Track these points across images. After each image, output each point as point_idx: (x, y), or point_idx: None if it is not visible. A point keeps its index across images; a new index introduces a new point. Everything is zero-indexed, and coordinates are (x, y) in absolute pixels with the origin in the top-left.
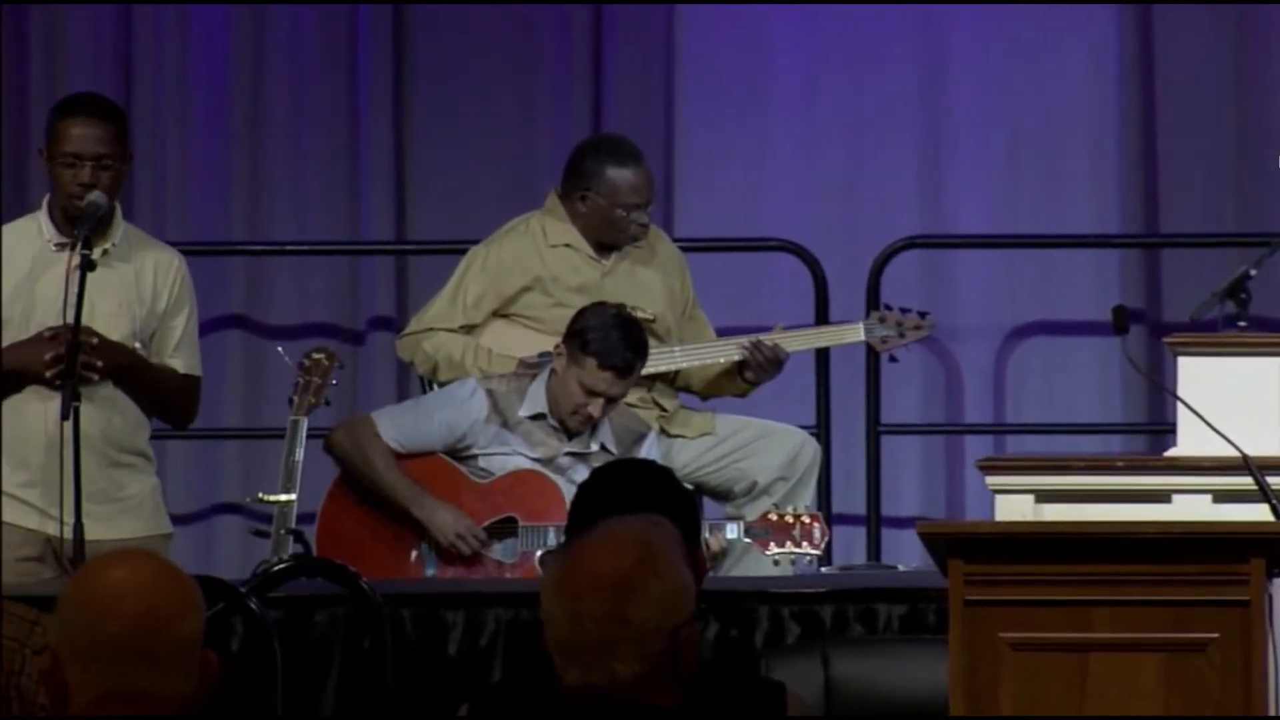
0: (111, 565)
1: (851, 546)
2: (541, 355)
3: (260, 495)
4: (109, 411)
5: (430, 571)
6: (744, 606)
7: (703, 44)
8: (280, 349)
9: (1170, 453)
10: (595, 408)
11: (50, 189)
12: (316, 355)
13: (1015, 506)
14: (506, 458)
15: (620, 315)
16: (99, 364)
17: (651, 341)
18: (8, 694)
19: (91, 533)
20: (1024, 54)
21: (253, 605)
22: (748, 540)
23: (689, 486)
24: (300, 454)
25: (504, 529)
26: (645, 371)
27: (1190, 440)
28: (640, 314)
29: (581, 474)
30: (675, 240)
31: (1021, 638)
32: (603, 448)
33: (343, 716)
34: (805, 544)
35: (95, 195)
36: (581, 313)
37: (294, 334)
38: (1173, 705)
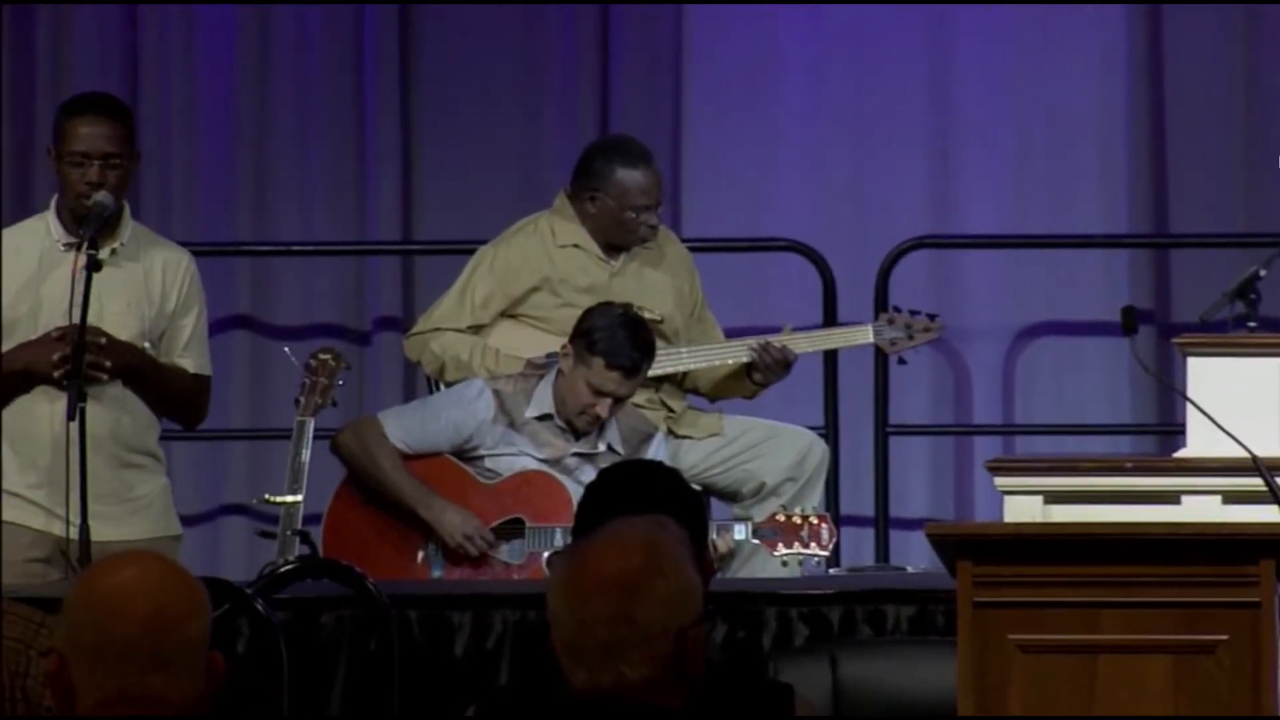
0: (118, 566)
1: (860, 548)
2: (549, 356)
3: (266, 496)
4: (118, 411)
5: (437, 573)
6: (752, 608)
7: (710, 44)
8: (286, 349)
9: (1179, 454)
10: (603, 408)
11: (58, 189)
12: (323, 356)
13: (1024, 508)
14: (513, 458)
15: (627, 315)
16: (107, 364)
17: (659, 343)
18: (13, 696)
19: (101, 533)
20: (1033, 54)
21: (259, 607)
22: (756, 541)
23: (697, 487)
24: (306, 455)
25: (511, 530)
26: (653, 373)
27: (1200, 441)
28: (648, 315)
29: (589, 474)
30: (683, 240)
31: (1030, 639)
32: (610, 448)
33: (349, 718)
34: (813, 545)
35: (101, 195)
36: (588, 313)
37: (300, 334)
38: (1182, 707)
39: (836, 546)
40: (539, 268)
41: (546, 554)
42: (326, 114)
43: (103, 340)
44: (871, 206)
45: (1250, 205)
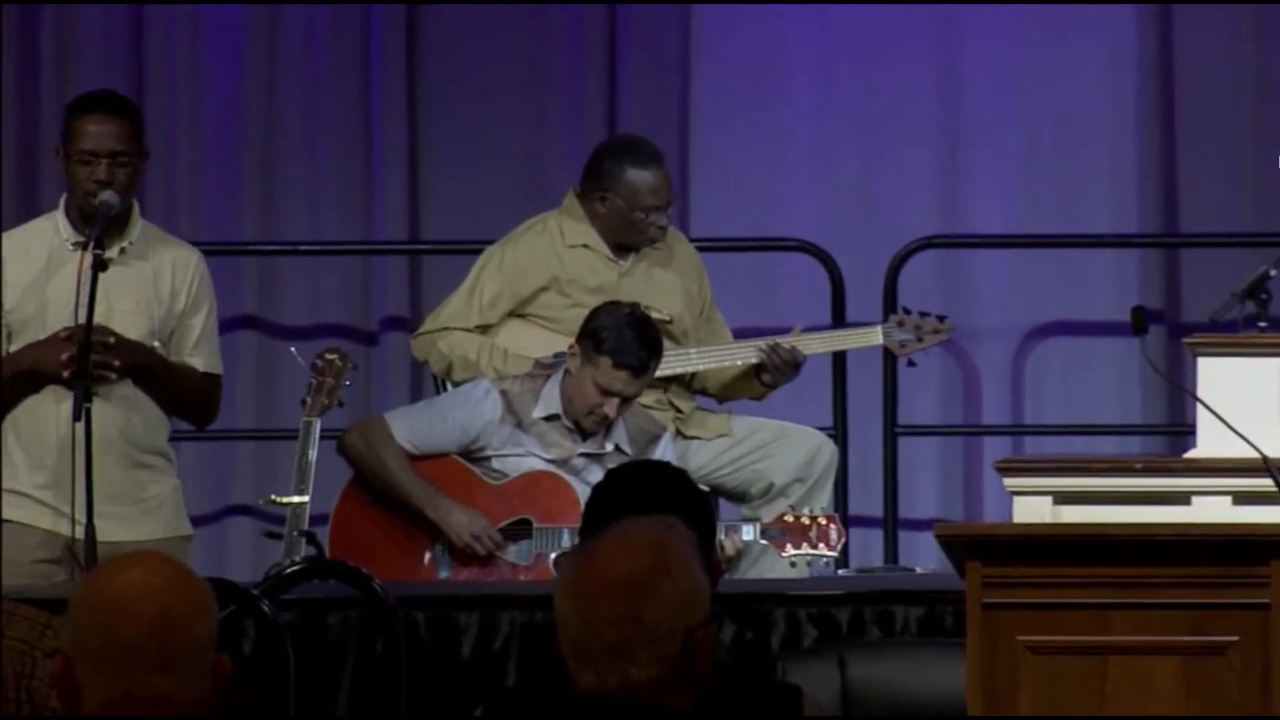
0: (124, 567)
1: (869, 548)
2: (557, 356)
3: (273, 497)
4: (128, 411)
5: (444, 574)
6: (760, 609)
7: (718, 44)
8: (293, 349)
9: (1190, 454)
10: (611, 408)
11: (67, 188)
12: (329, 356)
13: (1033, 508)
14: (520, 459)
15: (634, 314)
16: (115, 363)
17: (668, 343)
18: (19, 697)
19: (112, 534)
20: (1042, 53)
21: (265, 608)
22: (764, 542)
23: (705, 488)
24: (313, 455)
25: (518, 531)
26: (661, 373)
27: (1210, 442)
28: (656, 315)
29: (596, 475)
30: (691, 240)
31: (1040, 640)
32: (617, 448)
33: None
34: (822, 545)
35: (107, 195)
36: (595, 312)
37: (307, 334)
38: (1192, 709)
39: (845, 547)
40: (548, 267)
41: (554, 555)
42: (333, 114)
43: (111, 340)
44: (880, 206)
45: (1260, 205)
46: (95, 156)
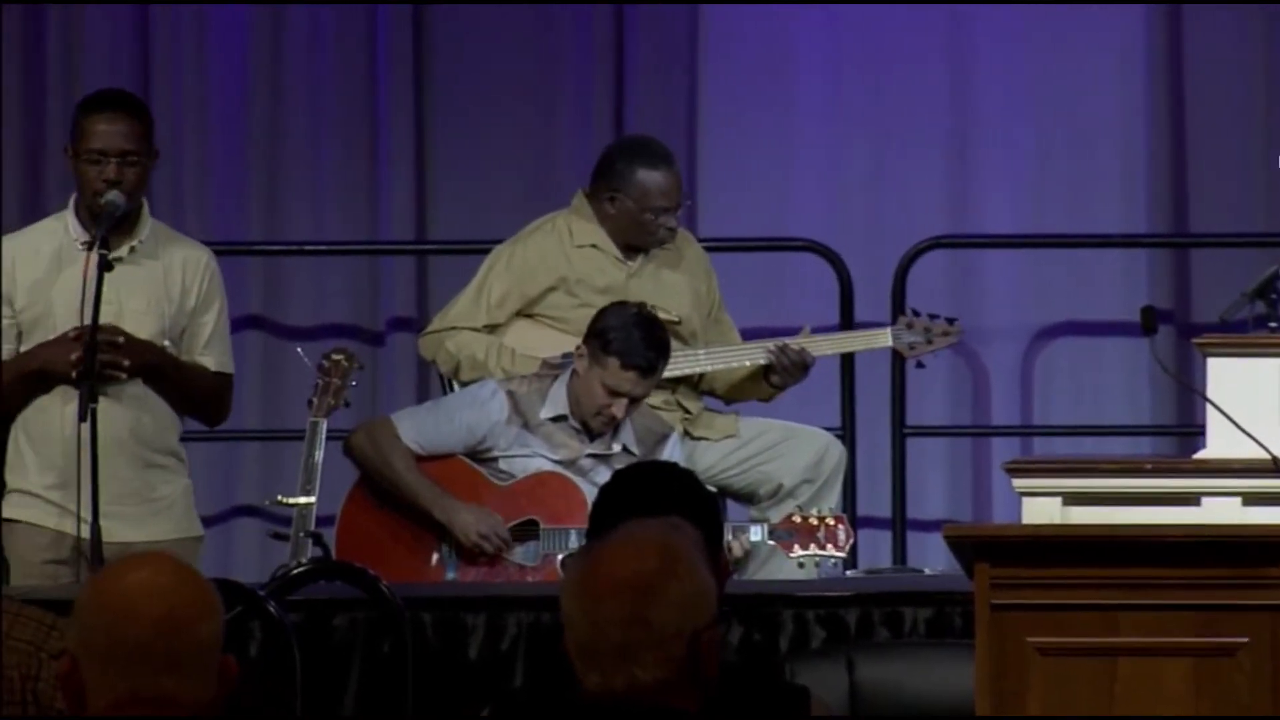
0: (130, 568)
1: (877, 549)
2: (565, 356)
3: (279, 498)
4: (139, 411)
5: (451, 575)
6: (768, 610)
7: (726, 43)
8: (299, 350)
9: (1199, 455)
10: (618, 408)
11: (77, 187)
12: (336, 356)
13: (1042, 509)
14: (527, 459)
15: (641, 314)
16: (125, 363)
17: (676, 344)
18: (24, 698)
19: (122, 534)
20: (1051, 52)
21: (271, 609)
22: (772, 543)
23: (713, 489)
24: (319, 456)
25: (525, 532)
26: (670, 374)
27: (1220, 442)
28: (665, 316)
29: (603, 476)
30: (699, 240)
31: (1049, 642)
32: (625, 449)
33: None
34: (830, 546)
35: (113, 195)
36: (602, 312)
37: (313, 335)
38: (1202, 710)
39: (854, 548)
40: (556, 267)
41: (561, 556)
42: (339, 113)
43: (120, 339)
44: (889, 206)
45: (1270, 205)
46: (104, 156)
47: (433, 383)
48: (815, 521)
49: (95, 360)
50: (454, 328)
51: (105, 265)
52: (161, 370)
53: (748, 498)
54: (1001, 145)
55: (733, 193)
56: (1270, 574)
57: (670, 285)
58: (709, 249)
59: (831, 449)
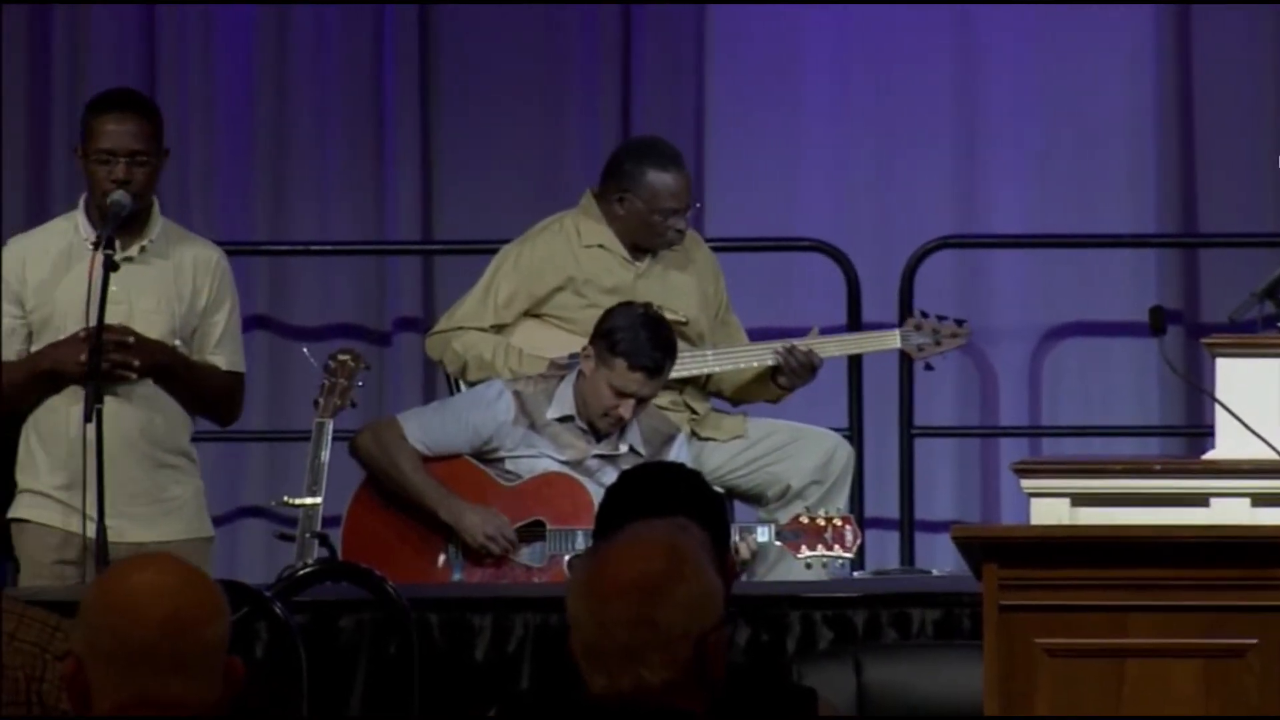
0: (136, 569)
1: (885, 550)
2: (572, 356)
3: (285, 498)
4: (149, 411)
5: (457, 575)
6: (775, 611)
7: (733, 43)
8: (305, 350)
9: (1208, 456)
10: (626, 409)
11: (87, 187)
12: (342, 356)
13: (1051, 510)
14: (534, 460)
15: (648, 314)
16: (135, 363)
17: (684, 345)
18: (29, 700)
19: (133, 534)
20: (1060, 52)
21: (278, 610)
22: (778, 543)
23: (720, 490)
24: (326, 456)
25: (532, 533)
26: (677, 375)
27: (1229, 443)
28: (672, 316)
29: (610, 476)
30: (706, 240)
31: (1057, 643)
32: (631, 449)
33: None
34: (837, 547)
35: (119, 195)
36: (609, 313)
37: (319, 335)
38: (1211, 712)
39: (861, 549)
40: (564, 267)
41: (568, 557)
42: (345, 113)
43: (130, 339)
44: (896, 206)
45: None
46: (113, 156)
47: (439, 383)
48: (822, 522)
49: (100, 361)
50: (461, 328)
51: (110, 265)
52: (172, 370)
53: (755, 499)
54: (1010, 145)
55: (740, 193)
56: (1279, 575)
57: (678, 286)
58: (716, 249)
59: (840, 450)
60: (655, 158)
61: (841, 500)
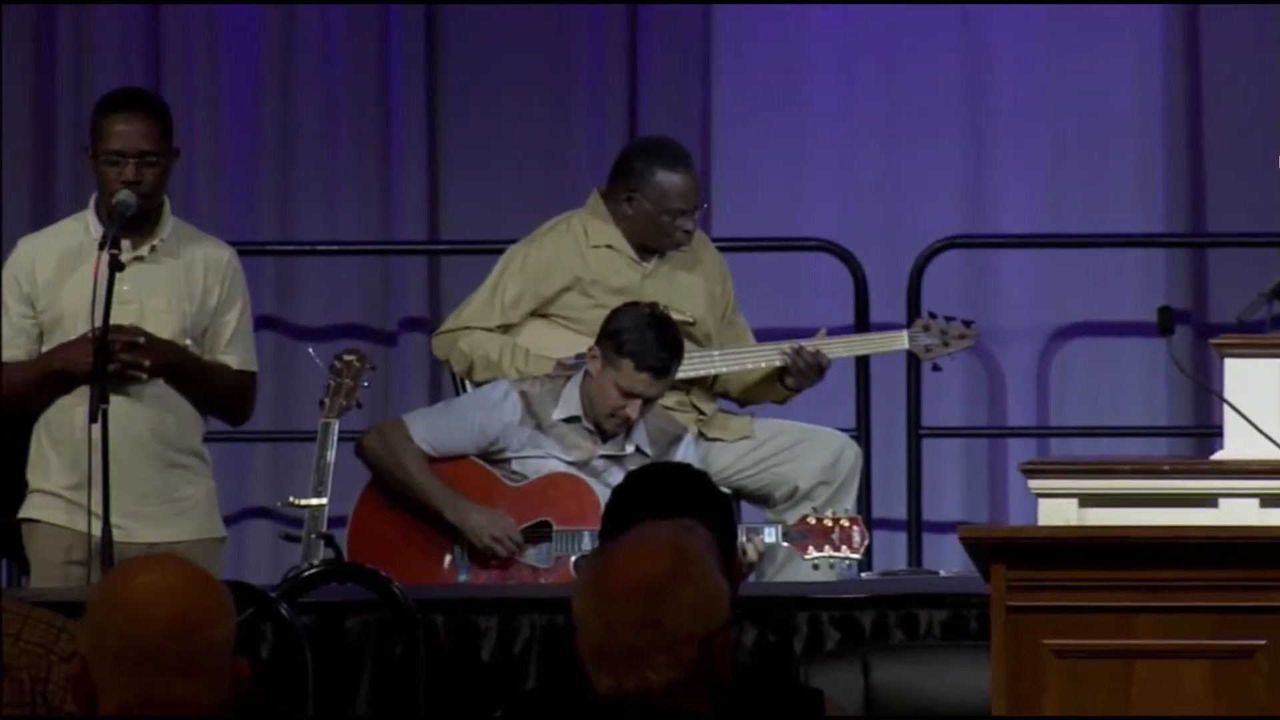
0: (141, 569)
1: (892, 551)
2: (579, 357)
3: (291, 499)
4: (161, 411)
5: (463, 576)
6: (782, 612)
7: (740, 43)
8: (311, 350)
9: (1217, 456)
10: (633, 409)
11: (98, 187)
12: (347, 357)
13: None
14: (540, 461)
15: (654, 315)
16: (146, 363)
17: (691, 345)
18: (34, 701)
19: (144, 534)
20: (1068, 51)
21: (283, 611)
22: (786, 544)
23: (727, 491)
24: (331, 457)
25: (538, 533)
26: (684, 375)
27: (1237, 443)
28: (679, 316)
29: (616, 476)
30: (713, 240)
31: (1065, 644)
32: (638, 450)
33: None
34: (844, 548)
35: (124, 194)
36: (615, 313)
37: (324, 335)
38: (1219, 713)
39: (869, 550)
40: (571, 267)
41: (574, 558)
42: (352, 113)
43: (141, 339)
44: (904, 205)
45: None
46: (123, 157)
47: (445, 383)
48: (830, 523)
49: (106, 361)
50: (468, 328)
51: (116, 265)
52: (183, 370)
53: (763, 499)
54: (1017, 145)
55: (747, 193)
56: None
57: (685, 286)
58: (723, 249)
59: (847, 450)
60: (664, 158)
61: (849, 501)
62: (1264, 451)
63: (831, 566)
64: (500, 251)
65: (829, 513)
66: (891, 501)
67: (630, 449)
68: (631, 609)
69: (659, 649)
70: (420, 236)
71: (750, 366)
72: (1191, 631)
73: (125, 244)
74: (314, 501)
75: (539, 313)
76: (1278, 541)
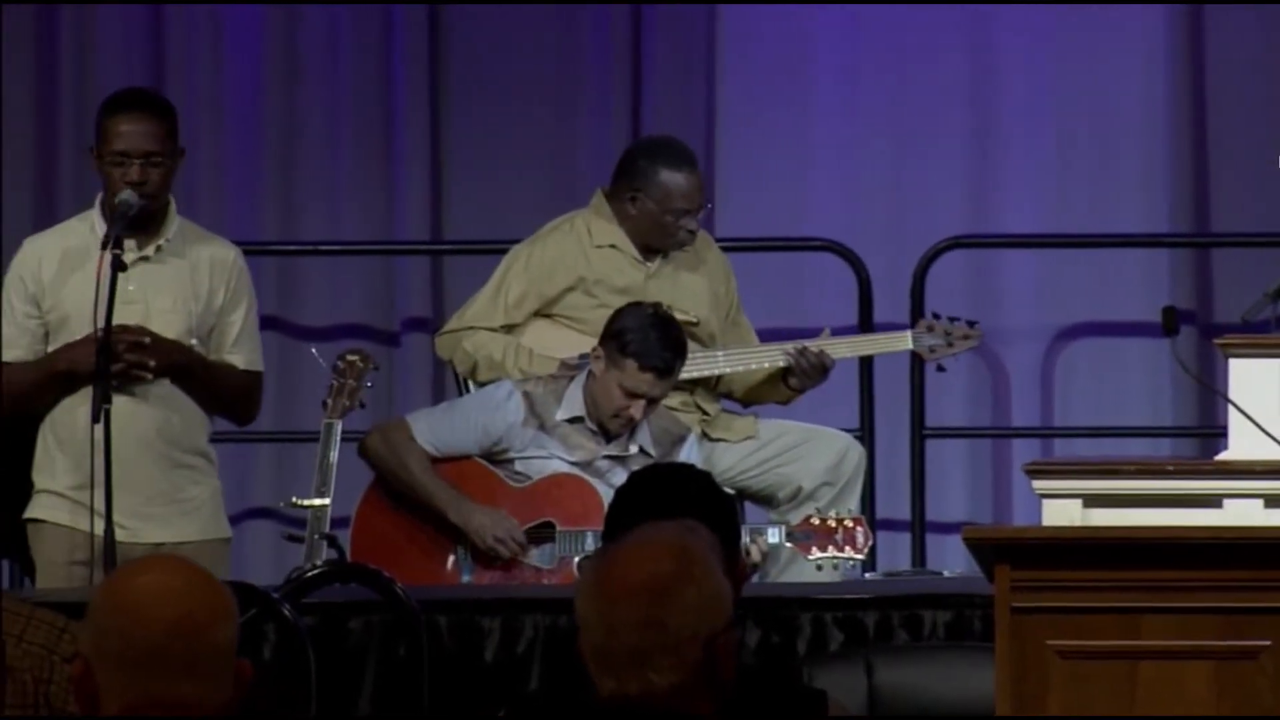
0: (144, 570)
1: (896, 552)
2: (582, 357)
3: (294, 499)
4: (166, 411)
5: (467, 577)
6: (786, 613)
7: (744, 42)
8: (314, 350)
9: (1221, 456)
10: (636, 410)
11: (103, 187)
12: (350, 357)
13: (1063, 511)
14: (544, 461)
15: (658, 315)
16: (151, 363)
17: (695, 346)
18: (36, 702)
19: (150, 535)
20: (1073, 52)
21: (286, 612)
22: (789, 545)
23: (731, 491)
24: (334, 457)
25: (541, 534)
26: (687, 376)
27: (1242, 444)
28: (682, 317)
29: (620, 477)
30: (717, 240)
31: (1069, 645)
32: (641, 450)
33: None
34: (848, 548)
35: (126, 194)
36: (618, 313)
37: (327, 335)
38: (1224, 713)
39: (872, 550)
40: (574, 267)
41: (577, 558)
42: (355, 113)
43: (146, 339)
44: (908, 206)
45: None
46: (128, 157)
47: (448, 383)
48: (833, 523)
49: (109, 361)
50: (471, 327)
51: (119, 265)
52: (189, 370)
53: (766, 500)
54: (1022, 145)
55: (751, 193)
56: None
57: (689, 287)
58: (727, 249)
59: (851, 451)
60: (669, 157)
61: (853, 501)
62: (1269, 452)
63: (835, 567)
64: (504, 251)
65: (833, 513)
66: (895, 502)
67: (634, 449)
68: (635, 610)
69: (662, 650)
70: (423, 236)
71: (754, 367)
72: (1196, 632)
73: (130, 244)
74: (317, 502)
75: (542, 313)
76: None
